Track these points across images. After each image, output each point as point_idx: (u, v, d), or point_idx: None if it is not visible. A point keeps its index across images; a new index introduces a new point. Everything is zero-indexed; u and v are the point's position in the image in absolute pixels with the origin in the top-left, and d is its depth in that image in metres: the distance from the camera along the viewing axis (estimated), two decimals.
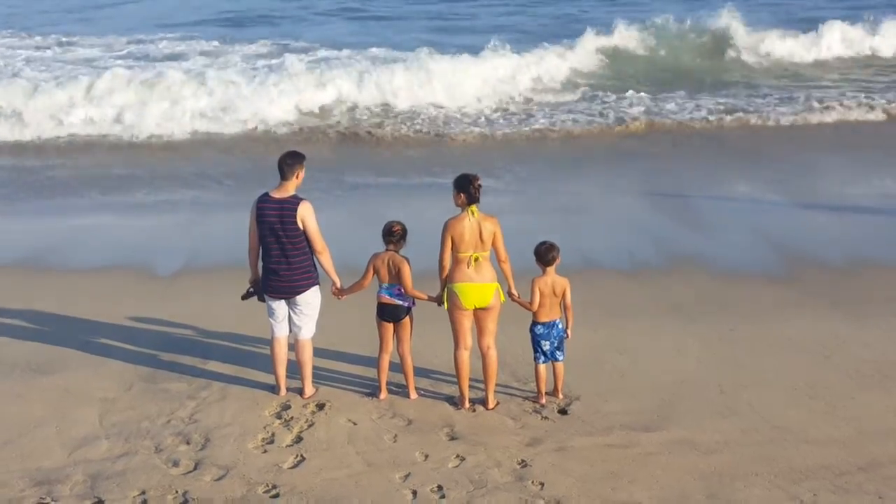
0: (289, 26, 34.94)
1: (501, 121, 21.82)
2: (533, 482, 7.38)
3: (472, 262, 8.34)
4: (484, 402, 8.71)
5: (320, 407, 8.72)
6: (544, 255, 8.67)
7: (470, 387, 8.74)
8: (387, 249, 8.69)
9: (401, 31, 32.59)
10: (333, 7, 39.46)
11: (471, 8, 38.93)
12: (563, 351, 8.81)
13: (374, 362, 9.00)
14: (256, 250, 8.67)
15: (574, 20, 34.01)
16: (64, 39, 31.57)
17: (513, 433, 8.21)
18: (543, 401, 8.77)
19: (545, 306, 8.69)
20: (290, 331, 8.88)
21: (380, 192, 16.39)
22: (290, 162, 8.55)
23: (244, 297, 9.03)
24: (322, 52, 27.59)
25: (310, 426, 8.34)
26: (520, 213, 14.21)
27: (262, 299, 8.83)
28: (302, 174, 8.58)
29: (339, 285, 8.91)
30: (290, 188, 8.53)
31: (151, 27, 33.87)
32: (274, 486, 7.34)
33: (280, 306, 8.76)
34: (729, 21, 28.29)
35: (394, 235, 8.67)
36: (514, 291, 8.66)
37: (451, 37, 31.02)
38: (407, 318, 8.76)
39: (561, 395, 8.84)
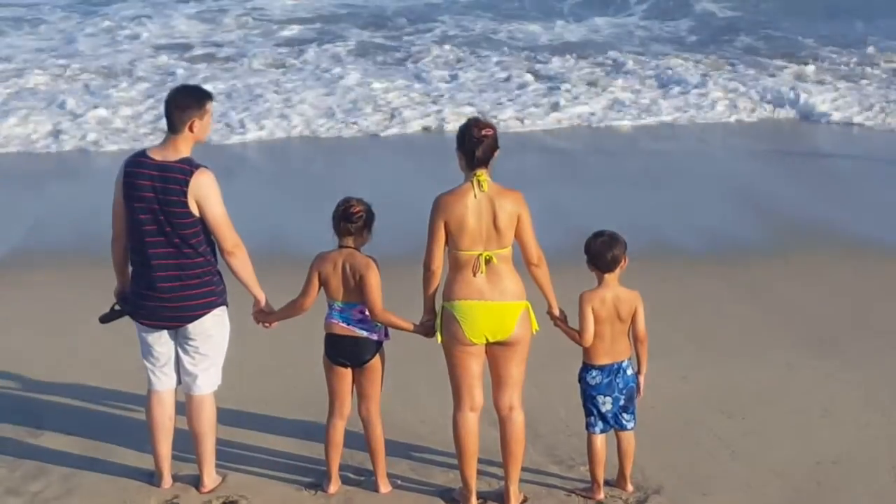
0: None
1: None
2: None
3: (483, 266, 6.10)
4: (503, 496, 6.45)
5: None
6: (601, 254, 6.25)
7: (480, 471, 6.49)
8: (340, 246, 6.18)
9: None
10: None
11: None
12: (633, 413, 6.44)
13: (321, 432, 6.64)
14: (123, 242, 6.37)
15: None
16: None
17: None
18: (601, 496, 6.50)
19: (604, 339, 6.32)
20: (179, 381, 6.56)
21: None
22: (182, 104, 6.11)
23: (105, 320, 6.75)
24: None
25: None
26: None
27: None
28: (200, 125, 6.19)
29: (263, 304, 6.52)
30: (180, 146, 6.15)
31: None
32: None
33: (160, 341, 6.36)
34: None
35: (352, 221, 6.11)
36: (555, 311, 6.34)
37: None
38: (375, 360, 6.32)
39: (630, 486, 6.60)
